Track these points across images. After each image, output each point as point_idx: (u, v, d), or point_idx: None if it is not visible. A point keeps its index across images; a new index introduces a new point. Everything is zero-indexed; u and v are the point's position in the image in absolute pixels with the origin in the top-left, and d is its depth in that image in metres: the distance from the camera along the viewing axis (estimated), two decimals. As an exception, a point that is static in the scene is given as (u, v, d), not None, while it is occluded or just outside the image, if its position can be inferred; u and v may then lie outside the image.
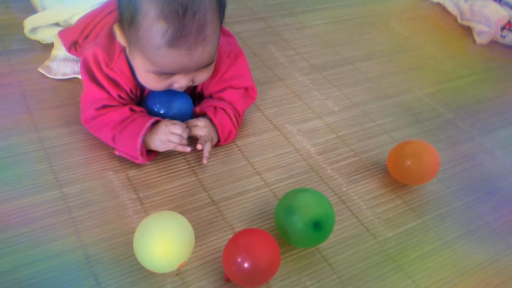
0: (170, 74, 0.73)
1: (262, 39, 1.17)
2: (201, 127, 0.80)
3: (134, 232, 0.63)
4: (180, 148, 0.76)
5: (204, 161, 0.80)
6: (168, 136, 0.74)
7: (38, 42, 1.00)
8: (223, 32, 0.85)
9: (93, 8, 0.90)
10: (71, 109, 0.86)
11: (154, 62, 0.70)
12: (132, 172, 0.78)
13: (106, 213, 0.71)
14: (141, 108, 0.79)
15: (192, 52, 0.68)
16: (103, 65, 0.76)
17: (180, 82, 0.74)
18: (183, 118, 0.80)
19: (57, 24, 0.99)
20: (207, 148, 0.80)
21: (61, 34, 0.92)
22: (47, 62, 0.94)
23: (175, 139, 0.75)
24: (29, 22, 0.98)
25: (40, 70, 0.93)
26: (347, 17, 1.34)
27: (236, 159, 0.84)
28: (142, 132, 0.73)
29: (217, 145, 0.84)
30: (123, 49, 0.76)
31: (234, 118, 0.83)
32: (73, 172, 0.76)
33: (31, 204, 0.70)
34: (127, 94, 0.79)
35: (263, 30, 1.21)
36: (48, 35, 0.98)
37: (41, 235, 0.67)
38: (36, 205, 0.70)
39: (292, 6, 1.33)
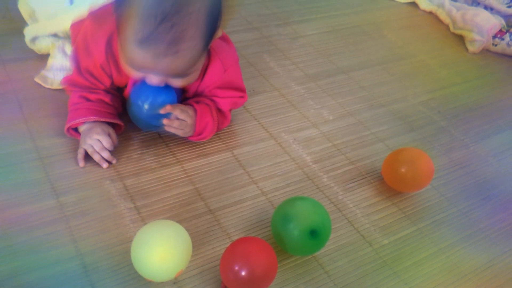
0: None
1: (257, 49, 1.18)
2: (186, 112, 0.79)
3: (131, 241, 0.63)
4: (96, 157, 0.79)
5: (165, 121, 0.77)
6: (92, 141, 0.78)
7: (34, 51, 1.00)
8: (223, 39, 0.85)
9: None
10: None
11: (125, 53, 0.70)
12: (129, 181, 0.78)
13: (103, 222, 0.71)
14: (97, 97, 0.81)
15: (159, 61, 0.68)
16: (88, 34, 0.78)
17: (151, 79, 0.73)
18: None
19: (55, 35, 0.99)
20: (176, 122, 0.79)
21: (72, 27, 0.92)
22: (43, 72, 0.95)
23: (94, 147, 0.78)
24: (29, 31, 0.98)
25: (37, 80, 0.93)
26: (341, 26, 1.35)
27: (233, 168, 0.85)
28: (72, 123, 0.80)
29: (189, 138, 0.85)
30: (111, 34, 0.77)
31: (214, 112, 0.84)
32: (70, 181, 0.76)
33: (28, 213, 0.70)
34: (100, 67, 0.79)
35: (258, 40, 1.22)
36: (47, 44, 0.99)
37: (38, 244, 0.67)
38: (33, 214, 0.70)
39: (286, 16, 1.35)
